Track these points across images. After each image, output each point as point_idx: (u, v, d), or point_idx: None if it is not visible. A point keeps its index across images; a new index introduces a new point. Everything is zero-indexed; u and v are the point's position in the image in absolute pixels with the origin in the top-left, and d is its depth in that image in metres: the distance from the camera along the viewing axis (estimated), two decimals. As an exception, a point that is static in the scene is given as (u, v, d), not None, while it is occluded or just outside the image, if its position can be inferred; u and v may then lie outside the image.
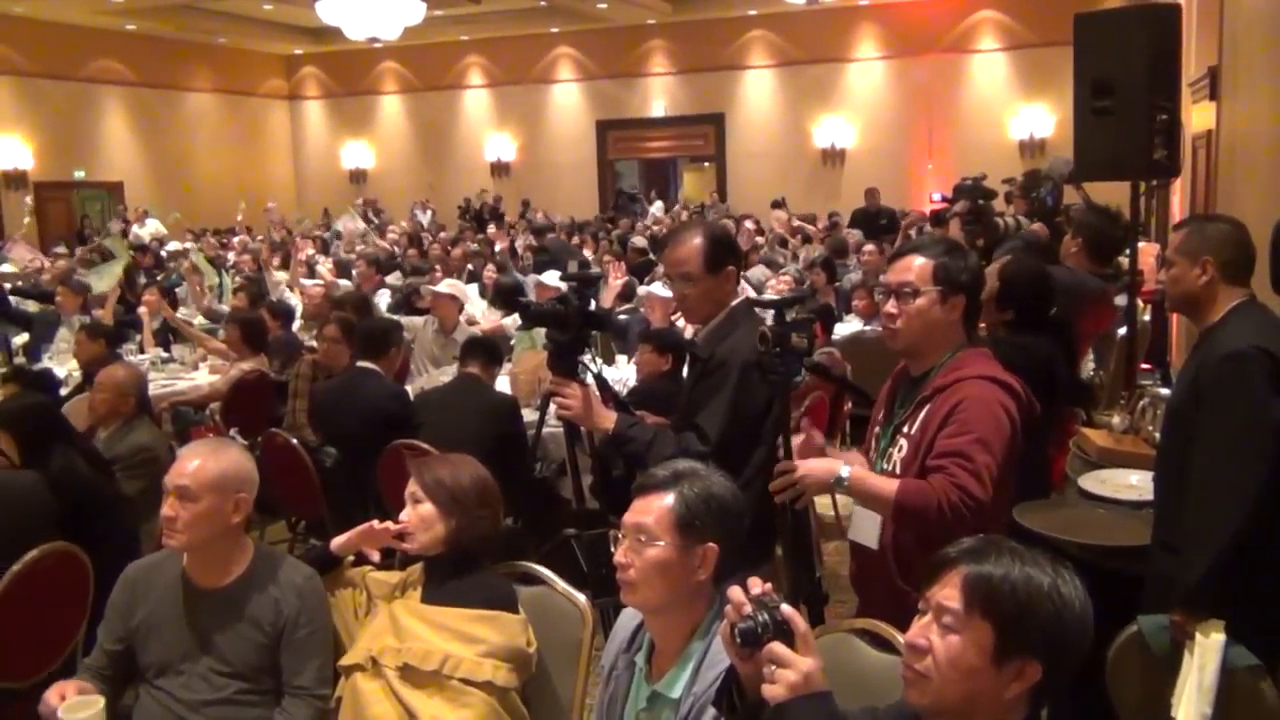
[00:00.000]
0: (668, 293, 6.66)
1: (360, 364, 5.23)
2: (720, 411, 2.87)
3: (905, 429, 2.53)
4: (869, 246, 9.54)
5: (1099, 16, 5.43)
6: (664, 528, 2.04)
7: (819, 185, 18.49)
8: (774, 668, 1.61)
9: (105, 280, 8.92)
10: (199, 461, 2.52)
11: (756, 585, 1.69)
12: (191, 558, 2.58)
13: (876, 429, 2.70)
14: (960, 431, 2.39)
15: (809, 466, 2.48)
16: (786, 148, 19.23)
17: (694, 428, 2.89)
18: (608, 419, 2.96)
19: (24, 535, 3.27)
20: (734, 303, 3.03)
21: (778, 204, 16.04)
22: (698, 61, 19.70)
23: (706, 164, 21.07)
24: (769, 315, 2.63)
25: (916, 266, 2.54)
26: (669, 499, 2.07)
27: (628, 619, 2.25)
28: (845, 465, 2.47)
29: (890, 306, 2.57)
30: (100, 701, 2.30)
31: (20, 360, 7.40)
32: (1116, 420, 3.97)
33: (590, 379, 3.07)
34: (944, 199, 7.94)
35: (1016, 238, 4.99)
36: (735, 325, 2.97)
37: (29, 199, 13.10)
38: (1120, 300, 5.57)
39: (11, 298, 8.72)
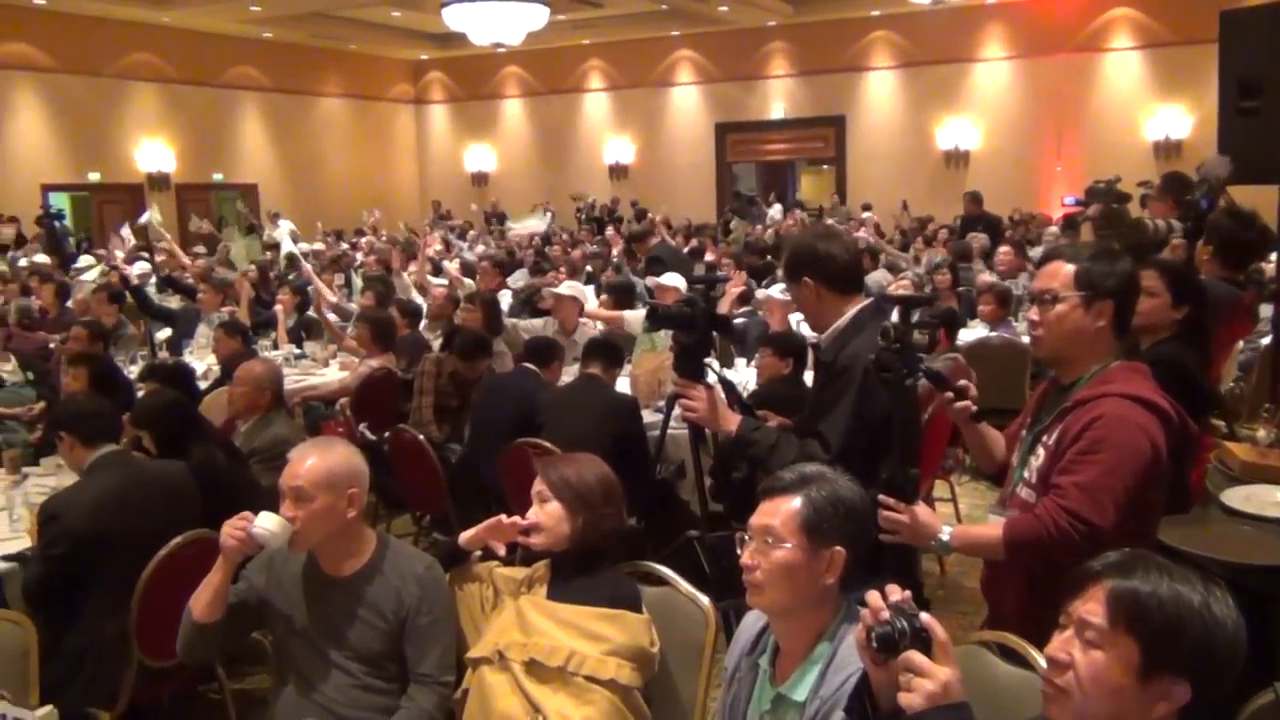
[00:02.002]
0: (786, 296, 6.64)
1: (525, 365, 5.52)
2: (842, 418, 2.83)
3: (1045, 438, 2.47)
4: (1004, 248, 9.33)
5: (1248, 13, 5.18)
6: (791, 530, 2.03)
7: (941, 188, 18.15)
8: (911, 676, 1.59)
9: (239, 255, 9.30)
10: (310, 462, 2.60)
11: (895, 592, 1.67)
12: (318, 549, 2.67)
13: (1023, 433, 2.64)
14: (1088, 451, 2.31)
15: (921, 517, 2.42)
16: (908, 150, 18.95)
17: (816, 435, 2.86)
18: (732, 421, 2.96)
19: (174, 522, 3.43)
20: (858, 306, 2.98)
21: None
22: (818, 63, 19.53)
23: (825, 166, 20.89)
24: (895, 313, 2.58)
25: (1058, 272, 2.47)
26: (796, 502, 2.06)
27: (752, 621, 2.24)
28: (946, 528, 2.42)
29: (1033, 313, 2.52)
30: (290, 527, 2.53)
31: (163, 354, 7.75)
32: (1262, 434, 3.79)
33: (714, 381, 3.07)
34: (1077, 202, 7.71)
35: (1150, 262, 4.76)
36: (860, 329, 2.93)
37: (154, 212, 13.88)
38: (1266, 309, 5.33)
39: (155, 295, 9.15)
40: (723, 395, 3.05)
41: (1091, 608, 1.53)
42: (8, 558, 3.51)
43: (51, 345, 7.60)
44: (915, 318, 2.47)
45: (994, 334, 7.23)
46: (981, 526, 2.44)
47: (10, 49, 16.59)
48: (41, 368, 6.87)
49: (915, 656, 1.60)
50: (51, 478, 4.36)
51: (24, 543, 3.65)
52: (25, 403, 6.48)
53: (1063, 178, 16.99)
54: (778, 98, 20.28)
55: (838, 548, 2.03)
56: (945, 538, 2.40)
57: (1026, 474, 2.51)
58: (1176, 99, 16.68)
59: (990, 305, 7.47)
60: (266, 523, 2.51)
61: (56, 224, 14.12)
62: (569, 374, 5.85)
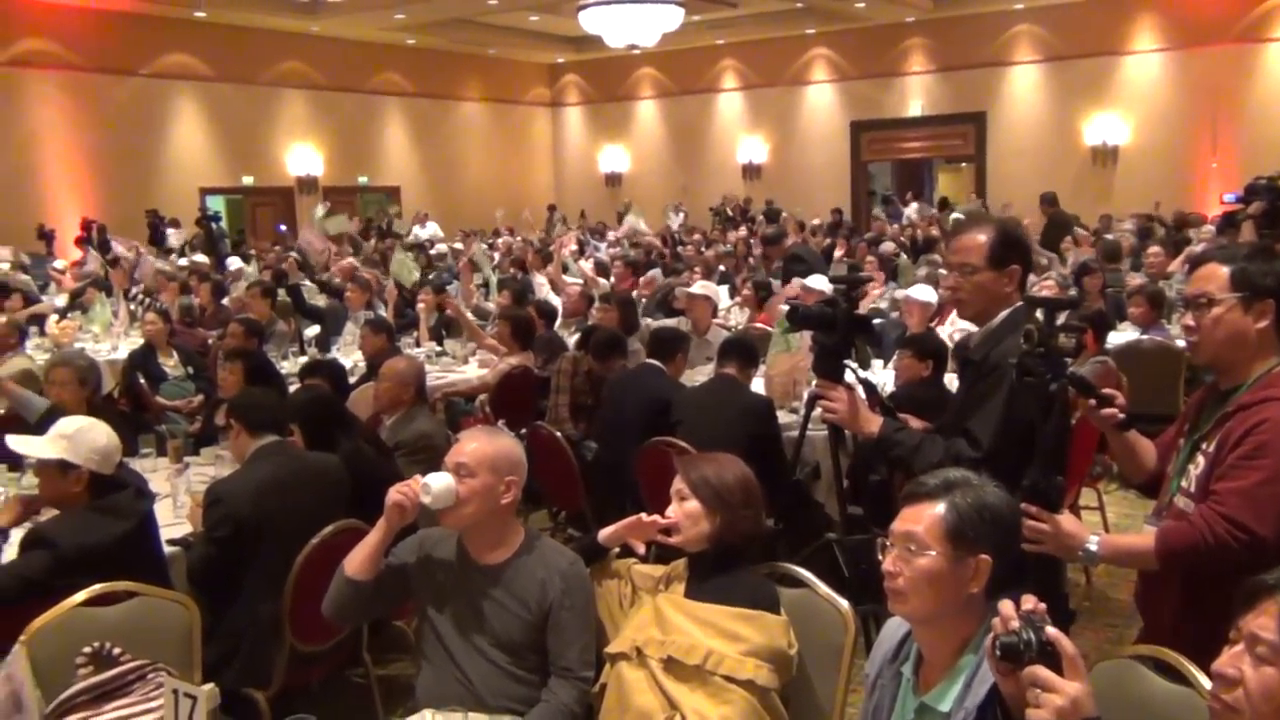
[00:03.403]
0: (925, 297, 6.52)
1: (649, 361, 5.54)
2: (993, 417, 2.76)
3: (1204, 445, 2.37)
4: (1154, 249, 9.00)
5: None
6: (934, 537, 1.99)
7: (1087, 186, 17.53)
8: (1039, 692, 1.56)
9: (404, 273, 9.68)
10: (476, 444, 2.69)
11: (1029, 602, 1.63)
12: (468, 535, 2.73)
13: (1180, 440, 2.53)
14: (1249, 456, 2.22)
15: (1066, 527, 2.33)
16: (1052, 146, 18.36)
17: (965, 433, 2.80)
18: (873, 423, 2.92)
19: (328, 511, 3.57)
20: (1013, 305, 2.91)
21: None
22: (958, 59, 19.10)
23: (964, 164, 20.41)
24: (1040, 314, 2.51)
25: (1212, 274, 2.38)
26: (940, 508, 2.01)
27: (894, 628, 2.21)
28: (1094, 537, 2.33)
29: (1188, 319, 2.43)
30: (455, 489, 2.61)
31: (312, 351, 8.06)
32: None
33: (854, 382, 3.03)
34: (1237, 199, 7.36)
35: None
36: (1012, 328, 2.85)
37: (323, 207, 14.69)
38: None
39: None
40: (863, 396, 3.02)
41: (1264, 622, 1.47)
42: (172, 542, 3.70)
43: (210, 341, 7.99)
44: (1060, 320, 2.40)
45: (1145, 337, 6.96)
46: (1131, 536, 2.35)
47: (173, 60, 17.49)
48: (200, 362, 7.22)
49: (1041, 671, 1.56)
50: (210, 467, 4.57)
51: (186, 528, 3.84)
52: (186, 396, 6.84)
53: (1218, 174, 16.23)
54: (915, 95, 19.90)
55: (983, 556, 1.98)
56: (1093, 548, 2.32)
57: (1184, 483, 2.42)
58: (1346, 90, 15.80)
59: (1142, 307, 7.20)
60: (440, 479, 2.61)
61: (214, 225, 14.84)
62: (703, 374, 5.85)
